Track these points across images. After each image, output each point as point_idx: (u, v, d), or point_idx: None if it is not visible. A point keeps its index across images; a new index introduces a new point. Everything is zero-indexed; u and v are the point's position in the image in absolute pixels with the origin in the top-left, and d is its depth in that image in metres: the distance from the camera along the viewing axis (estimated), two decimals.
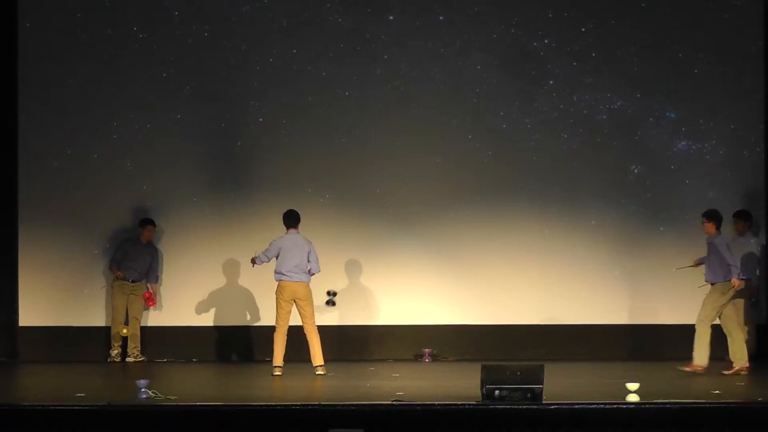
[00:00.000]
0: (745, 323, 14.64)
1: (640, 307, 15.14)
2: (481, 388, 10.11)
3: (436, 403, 10.19)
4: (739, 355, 13.18)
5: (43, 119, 15.23)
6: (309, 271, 13.38)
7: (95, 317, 15.23)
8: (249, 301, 15.26)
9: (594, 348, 15.13)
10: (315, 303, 13.46)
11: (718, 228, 13.35)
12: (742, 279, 13.64)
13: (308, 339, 13.39)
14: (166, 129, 15.30)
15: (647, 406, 10.16)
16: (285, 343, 13.34)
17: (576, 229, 15.24)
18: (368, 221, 15.25)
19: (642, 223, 15.25)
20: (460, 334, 15.21)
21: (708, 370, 13.05)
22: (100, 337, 15.15)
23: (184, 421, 10.00)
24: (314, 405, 10.26)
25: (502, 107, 15.33)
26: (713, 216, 13.39)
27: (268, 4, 15.33)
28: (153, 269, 15.16)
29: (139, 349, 15.09)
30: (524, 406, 9.96)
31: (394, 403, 10.29)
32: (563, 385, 11.56)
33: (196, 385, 12.76)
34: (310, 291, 13.42)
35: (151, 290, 15.13)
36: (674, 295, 14.70)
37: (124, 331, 15.00)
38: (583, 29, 15.36)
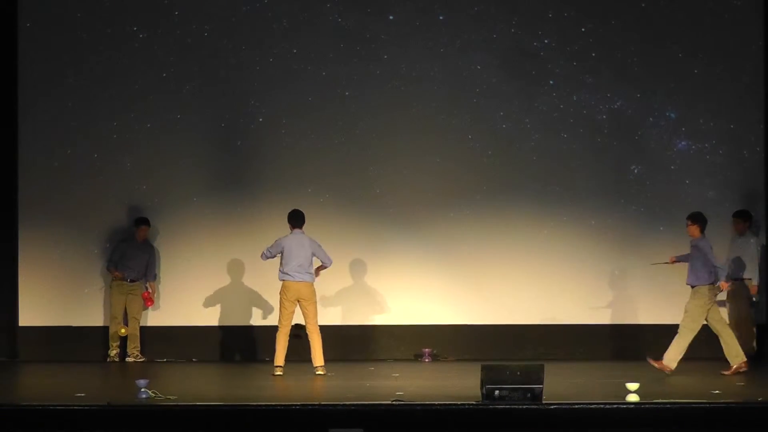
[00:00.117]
0: (746, 323, 14.69)
1: (640, 307, 15.13)
2: (481, 388, 10.11)
3: (436, 403, 10.20)
4: (734, 353, 13.12)
5: (43, 119, 15.23)
6: (317, 269, 13.45)
7: (95, 317, 15.22)
8: (249, 301, 15.26)
9: (594, 348, 15.14)
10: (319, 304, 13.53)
11: (702, 231, 13.21)
12: (732, 280, 13.65)
13: (309, 339, 13.41)
14: (166, 129, 15.30)
15: (647, 406, 10.16)
16: (287, 343, 13.35)
17: (576, 229, 15.24)
18: (368, 221, 15.25)
19: (642, 223, 15.25)
20: (460, 334, 15.21)
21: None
22: (100, 336, 15.15)
23: (184, 421, 10.01)
24: (314, 405, 10.26)
25: (502, 107, 15.33)
26: (697, 218, 13.23)
27: (268, 4, 15.33)
28: (150, 267, 15.16)
29: (139, 349, 15.08)
30: (524, 406, 9.96)
31: (394, 403, 10.30)
32: (563, 385, 11.57)
33: (196, 385, 12.76)
34: (314, 291, 13.45)
35: (149, 289, 15.13)
36: (674, 295, 14.67)
37: (122, 331, 14.99)
38: (583, 29, 15.36)
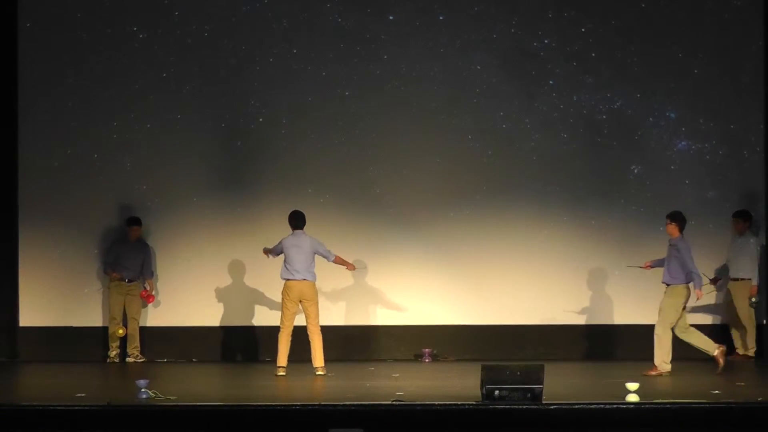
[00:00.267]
0: (746, 323, 14.69)
1: (640, 306, 15.11)
2: (481, 388, 10.11)
3: (436, 403, 10.20)
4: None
5: (43, 119, 15.23)
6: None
7: (95, 317, 15.22)
8: (249, 301, 15.26)
9: (593, 348, 15.15)
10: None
11: (681, 230, 13.14)
12: (732, 280, 13.65)
13: (310, 340, 13.41)
14: (166, 129, 15.29)
15: (647, 406, 10.16)
16: (289, 343, 13.35)
17: (576, 229, 15.24)
18: (368, 221, 15.25)
19: (642, 223, 15.24)
20: (460, 335, 15.21)
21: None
22: (100, 337, 15.15)
23: (184, 421, 10.01)
24: (314, 405, 10.26)
25: (502, 107, 15.33)
26: (676, 217, 13.18)
27: (268, 4, 15.33)
28: (147, 266, 15.14)
29: (139, 349, 15.07)
30: (524, 406, 9.96)
31: (394, 403, 10.30)
32: (563, 385, 11.57)
33: (196, 385, 12.76)
34: (316, 291, 13.46)
35: (147, 287, 15.11)
36: None
37: (120, 331, 14.97)
38: (583, 29, 15.36)
